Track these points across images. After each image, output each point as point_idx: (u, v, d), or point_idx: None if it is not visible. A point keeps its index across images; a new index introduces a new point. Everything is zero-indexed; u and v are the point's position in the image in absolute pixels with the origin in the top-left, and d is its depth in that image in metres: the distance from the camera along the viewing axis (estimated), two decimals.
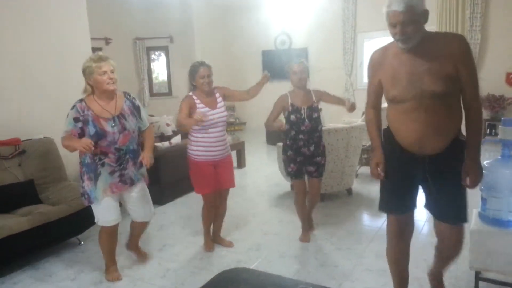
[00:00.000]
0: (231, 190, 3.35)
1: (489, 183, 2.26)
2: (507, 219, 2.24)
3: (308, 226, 3.49)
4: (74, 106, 2.63)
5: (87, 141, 2.48)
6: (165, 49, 8.66)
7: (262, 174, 5.66)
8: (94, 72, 2.58)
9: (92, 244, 3.54)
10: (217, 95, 3.15)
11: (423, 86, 1.89)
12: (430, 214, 2.18)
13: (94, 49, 5.96)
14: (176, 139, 4.79)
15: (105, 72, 2.59)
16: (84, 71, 2.63)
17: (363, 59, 7.63)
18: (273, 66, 8.69)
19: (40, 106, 4.01)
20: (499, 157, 2.32)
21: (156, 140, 4.24)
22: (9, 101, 3.78)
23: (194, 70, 3.06)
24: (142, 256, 3.19)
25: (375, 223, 3.79)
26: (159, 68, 9.14)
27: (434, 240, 2.25)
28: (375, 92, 2.15)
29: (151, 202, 3.02)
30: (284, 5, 8.18)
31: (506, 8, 6.33)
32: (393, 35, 1.91)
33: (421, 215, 3.54)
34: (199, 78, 3.04)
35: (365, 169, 5.32)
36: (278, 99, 3.25)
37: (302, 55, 7.96)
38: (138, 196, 2.89)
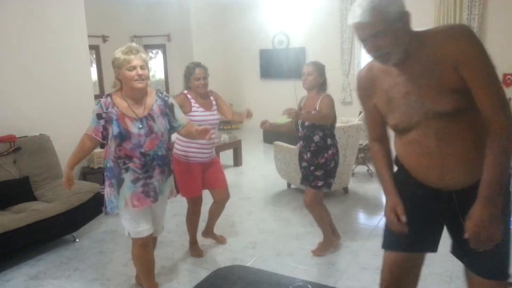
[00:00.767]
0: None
1: None
2: None
3: (334, 235, 3.24)
4: (99, 102, 2.33)
5: (70, 181, 2.34)
6: (162, 47, 8.62)
7: (258, 173, 5.65)
8: (122, 66, 2.25)
9: (87, 241, 3.53)
10: (212, 98, 3.13)
11: (424, 108, 1.43)
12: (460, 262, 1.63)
13: (91, 47, 5.96)
14: (173, 138, 4.76)
15: (134, 68, 2.24)
16: (113, 63, 2.30)
17: (361, 59, 7.64)
18: (271, 65, 8.79)
19: (36, 103, 3.99)
20: None
21: None
22: (4, 98, 3.75)
23: (189, 72, 3.01)
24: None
25: (371, 221, 3.80)
26: (156, 66, 9.12)
27: None
28: (374, 119, 1.66)
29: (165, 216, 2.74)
30: (282, 5, 8.18)
31: (504, 10, 6.34)
32: (368, 53, 1.45)
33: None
34: (194, 80, 2.99)
35: (361, 168, 5.35)
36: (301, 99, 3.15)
37: (300, 55, 7.98)
38: (156, 212, 2.55)
